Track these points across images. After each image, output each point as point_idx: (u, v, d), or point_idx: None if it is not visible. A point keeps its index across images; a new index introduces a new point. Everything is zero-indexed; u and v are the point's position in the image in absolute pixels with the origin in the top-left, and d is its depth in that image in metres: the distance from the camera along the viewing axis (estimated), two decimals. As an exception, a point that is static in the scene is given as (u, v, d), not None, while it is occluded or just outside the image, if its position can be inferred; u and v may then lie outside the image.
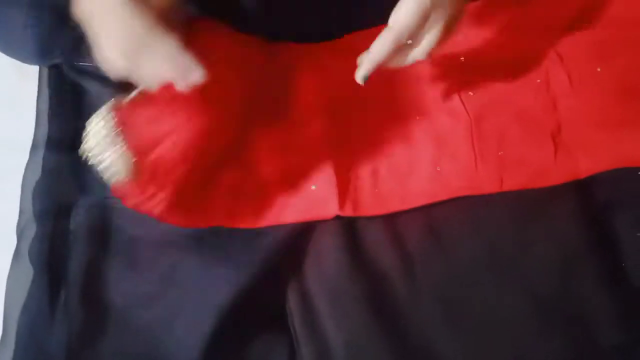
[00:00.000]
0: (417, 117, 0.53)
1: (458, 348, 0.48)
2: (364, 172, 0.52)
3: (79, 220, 0.52)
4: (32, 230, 0.53)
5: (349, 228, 0.52)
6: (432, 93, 0.54)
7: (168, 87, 0.44)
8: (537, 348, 0.47)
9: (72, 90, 0.56)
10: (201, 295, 0.49)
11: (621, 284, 0.49)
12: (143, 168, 0.45)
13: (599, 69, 0.53)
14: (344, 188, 0.51)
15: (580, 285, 0.49)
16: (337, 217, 0.52)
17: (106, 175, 0.45)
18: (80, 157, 0.54)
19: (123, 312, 0.49)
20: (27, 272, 0.52)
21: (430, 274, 0.50)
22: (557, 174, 0.51)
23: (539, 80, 0.54)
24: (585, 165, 0.51)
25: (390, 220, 0.52)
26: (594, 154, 0.51)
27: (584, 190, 0.52)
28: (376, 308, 0.49)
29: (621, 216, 0.51)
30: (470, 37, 0.54)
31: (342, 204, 0.51)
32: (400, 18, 0.44)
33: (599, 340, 0.47)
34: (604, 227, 0.51)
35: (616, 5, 0.54)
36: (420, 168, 0.52)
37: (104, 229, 0.51)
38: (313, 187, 0.52)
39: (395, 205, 0.51)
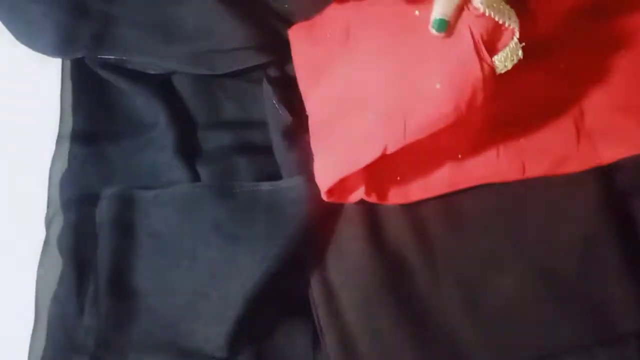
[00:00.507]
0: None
1: (478, 334, 0.48)
2: (388, 160, 0.52)
3: (103, 210, 0.53)
4: (60, 220, 0.54)
5: (370, 217, 0.52)
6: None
7: None
8: (557, 333, 0.48)
9: (94, 82, 0.57)
10: (224, 283, 0.49)
11: None
12: None
13: (622, 52, 0.52)
14: (371, 174, 0.51)
15: (600, 272, 0.49)
16: (359, 205, 0.52)
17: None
18: (104, 148, 0.56)
19: (150, 300, 0.50)
20: (57, 261, 0.53)
21: (450, 261, 0.50)
22: (579, 161, 0.51)
23: (562, 66, 0.53)
24: (607, 152, 0.51)
25: (411, 208, 0.52)
26: (615, 140, 0.51)
27: (605, 176, 0.52)
28: (397, 296, 0.49)
29: None
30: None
31: (368, 191, 0.51)
32: None
33: (618, 327, 0.48)
34: (626, 213, 0.51)
35: None
36: (441, 156, 0.52)
37: (127, 219, 0.52)
38: None
39: (417, 194, 0.52)
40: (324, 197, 0.50)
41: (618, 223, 0.50)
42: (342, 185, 0.50)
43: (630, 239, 0.50)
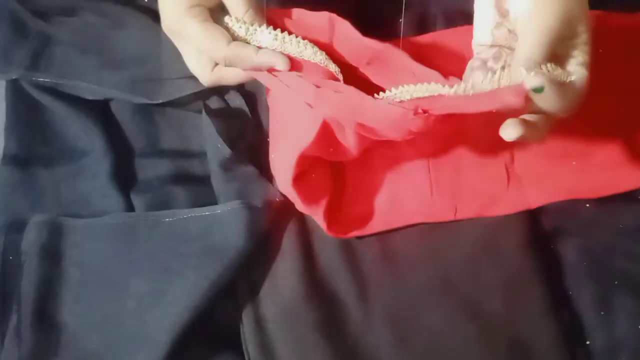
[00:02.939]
0: (377, 144, 0.54)
1: None
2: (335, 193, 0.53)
3: (30, 237, 0.51)
4: (-16, 247, 0.52)
5: (306, 251, 0.52)
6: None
7: None
8: None
9: (28, 104, 0.56)
10: (153, 317, 0.48)
11: (564, 311, 0.51)
12: None
13: None
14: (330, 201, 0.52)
15: (525, 311, 0.50)
16: (295, 238, 0.52)
17: None
18: (35, 173, 0.54)
19: (75, 334, 0.48)
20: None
21: (382, 299, 0.51)
22: (508, 204, 0.53)
23: (495, 110, 0.55)
24: (535, 196, 0.53)
25: (347, 244, 0.52)
26: (543, 185, 0.53)
27: (533, 219, 0.53)
28: (330, 333, 0.49)
29: (568, 244, 0.53)
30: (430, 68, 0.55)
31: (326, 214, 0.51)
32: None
33: None
34: (550, 255, 0.53)
35: None
36: (378, 195, 0.53)
37: (55, 248, 0.51)
38: None
39: (354, 230, 0.52)
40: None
41: (542, 264, 0.52)
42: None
43: (553, 280, 0.52)
